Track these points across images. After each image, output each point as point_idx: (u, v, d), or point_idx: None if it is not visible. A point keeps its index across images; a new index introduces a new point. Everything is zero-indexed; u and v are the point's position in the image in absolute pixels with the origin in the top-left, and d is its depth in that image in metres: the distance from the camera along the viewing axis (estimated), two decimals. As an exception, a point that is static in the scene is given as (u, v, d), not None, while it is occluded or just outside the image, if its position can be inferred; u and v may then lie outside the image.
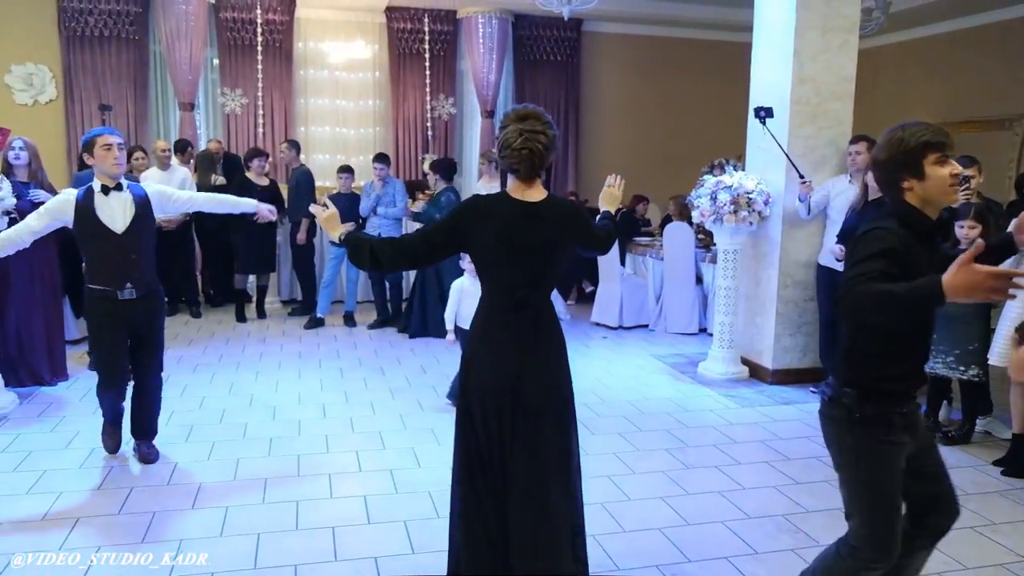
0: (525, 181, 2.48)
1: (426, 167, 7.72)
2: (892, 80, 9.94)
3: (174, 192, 4.07)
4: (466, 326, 4.31)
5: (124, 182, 3.81)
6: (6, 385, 4.84)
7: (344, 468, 4.01)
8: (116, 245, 3.73)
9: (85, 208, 3.71)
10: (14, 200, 4.66)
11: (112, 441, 4.10)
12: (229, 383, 5.47)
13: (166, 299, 7.04)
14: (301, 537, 3.27)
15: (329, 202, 3.23)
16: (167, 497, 3.63)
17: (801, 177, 5.34)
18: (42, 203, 5.07)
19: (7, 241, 3.67)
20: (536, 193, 2.49)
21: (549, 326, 2.53)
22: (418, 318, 7.04)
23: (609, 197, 3.10)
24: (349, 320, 7.48)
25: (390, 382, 5.60)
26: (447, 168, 7.16)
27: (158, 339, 3.99)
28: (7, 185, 4.63)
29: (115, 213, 3.75)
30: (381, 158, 7.39)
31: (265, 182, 7.42)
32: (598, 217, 3.03)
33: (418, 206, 7.67)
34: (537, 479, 2.45)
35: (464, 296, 4.69)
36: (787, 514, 3.60)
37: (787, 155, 5.39)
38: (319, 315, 7.39)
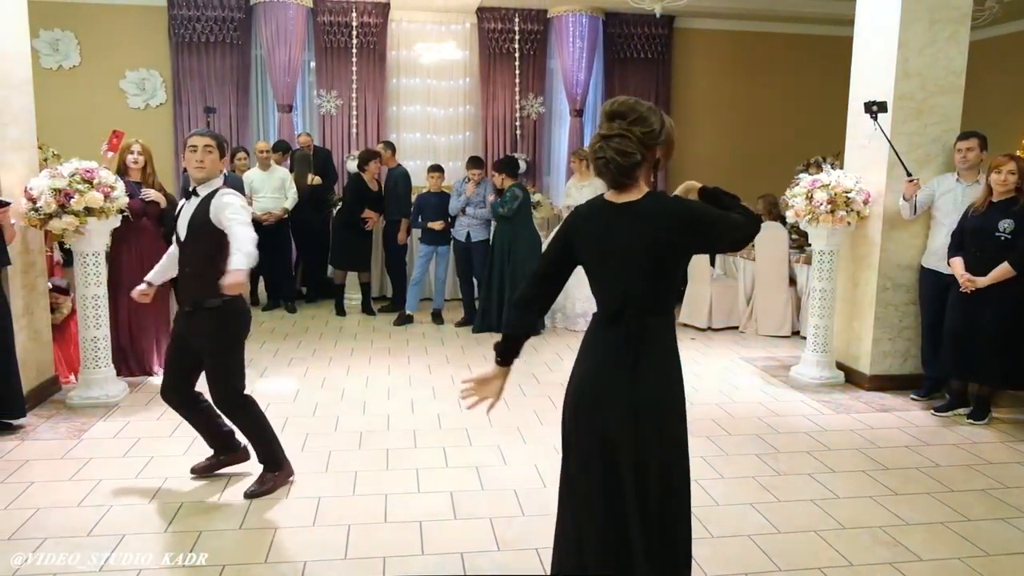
0: (612, 187, 2.26)
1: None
2: (1006, 73, 9.39)
3: (226, 209, 3.46)
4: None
5: (201, 188, 3.57)
6: (117, 374, 5.13)
7: (431, 463, 4.08)
8: (179, 252, 3.66)
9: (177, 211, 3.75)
10: (127, 199, 4.93)
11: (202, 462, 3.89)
12: (322, 377, 5.64)
13: (265, 296, 7.25)
14: (389, 530, 3.34)
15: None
16: (264, 486, 3.76)
17: (909, 175, 5.10)
18: (152, 201, 5.38)
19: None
20: (634, 193, 2.23)
21: (648, 347, 2.22)
22: (483, 313, 7.15)
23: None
24: (437, 318, 7.59)
25: (477, 379, 5.65)
26: (510, 165, 7.26)
27: (211, 362, 3.56)
28: (121, 185, 4.89)
29: (185, 219, 3.58)
30: (477, 162, 7.46)
31: (376, 187, 7.70)
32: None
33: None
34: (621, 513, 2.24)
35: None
36: (885, 526, 3.46)
37: (896, 152, 5.15)
38: (408, 312, 7.53)
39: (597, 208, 2.29)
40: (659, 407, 2.23)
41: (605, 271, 2.28)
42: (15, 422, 4.42)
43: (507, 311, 2.39)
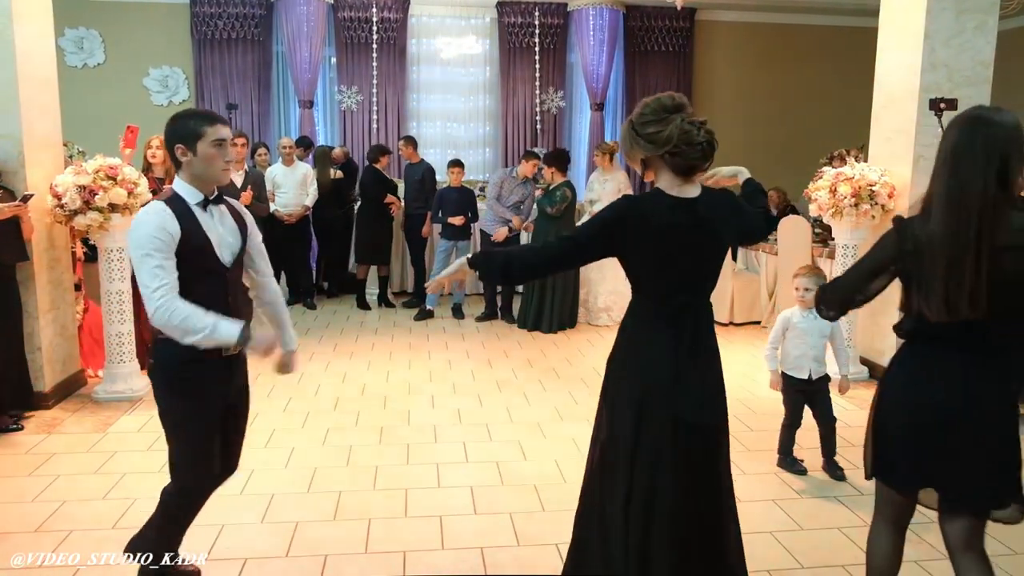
0: (686, 176, 2.24)
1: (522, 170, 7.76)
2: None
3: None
4: (788, 368, 3.98)
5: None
6: (141, 369, 5.18)
7: (451, 458, 4.08)
8: (222, 281, 3.00)
9: None
10: (150, 196, 4.97)
11: None
12: (343, 372, 5.66)
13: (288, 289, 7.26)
14: (410, 524, 3.35)
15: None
16: (284, 480, 3.79)
17: None
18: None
19: None
20: (693, 188, 2.27)
21: (709, 336, 2.33)
22: (535, 311, 7.11)
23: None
24: (457, 312, 7.60)
25: (497, 374, 5.66)
26: (562, 160, 7.14)
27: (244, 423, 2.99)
28: (145, 181, 4.93)
29: (223, 239, 2.82)
30: (536, 157, 7.45)
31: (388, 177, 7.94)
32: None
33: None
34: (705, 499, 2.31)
35: (790, 327, 4.02)
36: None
37: None
38: (428, 307, 7.55)
39: (659, 202, 2.24)
40: (723, 395, 2.38)
41: (672, 264, 2.24)
42: (21, 418, 4.49)
43: (514, 267, 2.34)
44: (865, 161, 5.79)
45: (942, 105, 4.95)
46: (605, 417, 2.37)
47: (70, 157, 5.64)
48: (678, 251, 2.22)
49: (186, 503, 2.66)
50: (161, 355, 2.50)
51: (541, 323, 7.04)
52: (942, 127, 4.96)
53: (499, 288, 7.55)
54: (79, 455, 4.06)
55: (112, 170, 4.73)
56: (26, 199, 4.44)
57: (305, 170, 7.82)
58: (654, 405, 2.23)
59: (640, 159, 2.28)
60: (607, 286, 7.33)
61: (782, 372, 4.01)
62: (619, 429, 2.29)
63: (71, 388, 5.05)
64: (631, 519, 2.25)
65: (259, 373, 5.51)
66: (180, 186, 2.51)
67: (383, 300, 8.03)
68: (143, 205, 4.82)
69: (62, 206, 4.61)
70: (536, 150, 8.82)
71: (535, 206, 7.25)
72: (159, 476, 3.79)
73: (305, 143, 8.36)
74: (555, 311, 7.03)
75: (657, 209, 2.22)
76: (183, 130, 2.49)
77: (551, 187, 7.08)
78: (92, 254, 5.36)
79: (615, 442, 2.30)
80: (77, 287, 5.42)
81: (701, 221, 2.22)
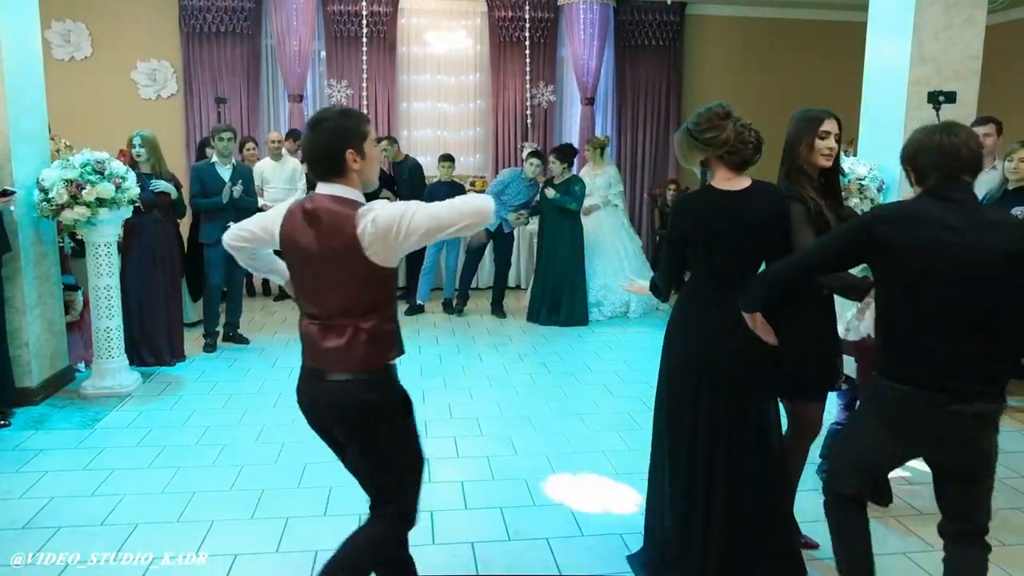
0: (740, 170, 2.64)
1: (524, 155, 7.73)
2: (1023, 58, 9.26)
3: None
4: None
5: None
6: (130, 364, 5.16)
7: (442, 453, 4.08)
8: None
9: None
10: (138, 190, 4.94)
11: None
12: (334, 367, 5.63)
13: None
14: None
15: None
16: (275, 475, 3.78)
17: None
18: (163, 192, 5.39)
19: None
20: (743, 180, 2.64)
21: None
22: (547, 304, 7.10)
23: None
24: (448, 307, 7.59)
25: (488, 369, 5.65)
26: (570, 155, 7.17)
27: None
28: (132, 176, 4.90)
29: None
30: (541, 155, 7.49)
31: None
32: None
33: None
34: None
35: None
36: (899, 516, 3.43)
37: None
38: (419, 302, 7.53)
39: (712, 195, 2.65)
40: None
41: (726, 249, 2.58)
42: (9, 415, 4.46)
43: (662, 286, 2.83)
44: (855, 155, 5.79)
45: (941, 98, 4.96)
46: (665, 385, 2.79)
47: (57, 151, 5.59)
48: (734, 236, 2.58)
49: (406, 529, 2.49)
50: (385, 394, 2.30)
51: (559, 317, 7.05)
52: (939, 120, 4.98)
53: (493, 282, 7.54)
54: (67, 451, 4.04)
55: (100, 164, 4.69)
56: (8, 193, 4.41)
57: (294, 165, 7.78)
58: (715, 369, 2.61)
59: (700, 160, 2.67)
60: (598, 280, 7.33)
61: None
62: (678, 396, 2.72)
63: (59, 384, 5.02)
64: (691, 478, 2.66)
65: (248, 369, 5.50)
66: (353, 194, 2.23)
67: None
68: (131, 202, 4.86)
69: (48, 200, 4.58)
70: (536, 147, 8.82)
71: (551, 202, 7.14)
72: (148, 472, 3.78)
73: (295, 135, 8.31)
74: (574, 305, 7.03)
75: (706, 204, 2.64)
76: (349, 133, 2.22)
77: (560, 182, 7.02)
78: (80, 249, 5.32)
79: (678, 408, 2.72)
80: (75, 286, 5.39)
81: (752, 210, 2.58)
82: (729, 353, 2.59)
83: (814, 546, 3.06)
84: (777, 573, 2.70)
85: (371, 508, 2.43)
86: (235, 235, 2.41)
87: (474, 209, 2.17)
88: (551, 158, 7.24)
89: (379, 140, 8.17)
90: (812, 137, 2.84)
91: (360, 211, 2.17)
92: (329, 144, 2.21)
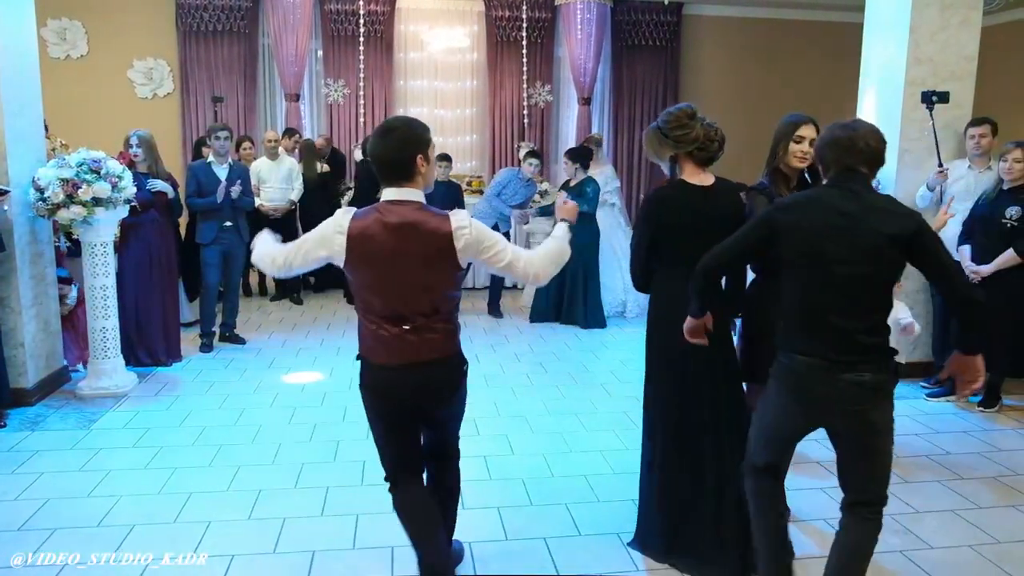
0: (706, 166, 2.91)
1: (522, 155, 7.72)
2: (1018, 59, 9.27)
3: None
4: None
5: None
6: (126, 365, 5.15)
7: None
8: None
9: None
10: (134, 190, 4.93)
11: None
12: (330, 367, 5.64)
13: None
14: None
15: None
16: (272, 476, 3.77)
17: (940, 164, 5.02)
18: (160, 192, 5.38)
19: None
20: (708, 177, 2.91)
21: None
22: (550, 303, 7.11)
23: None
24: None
25: (484, 368, 5.65)
26: (585, 156, 7.15)
27: None
28: (129, 175, 4.89)
29: None
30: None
31: None
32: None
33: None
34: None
35: None
36: (895, 514, 3.44)
37: (936, 142, 5.03)
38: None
39: (687, 189, 2.88)
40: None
41: (698, 238, 2.75)
42: (3, 416, 4.44)
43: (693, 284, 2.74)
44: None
45: (934, 98, 4.97)
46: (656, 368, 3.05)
47: (52, 150, 5.58)
48: (706, 226, 2.80)
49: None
50: (465, 367, 2.68)
51: (574, 317, 7.06)
52: (933, 119, 4.99)
53: (489, 283, 7.54)
54: (63, 452, 4.03)
55: (96, 163, 4.68)
56: (1, 193, 4.40)
57: (291, 164, 7.77)
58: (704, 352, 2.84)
59: (669, 156, 2.90)
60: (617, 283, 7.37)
61: None
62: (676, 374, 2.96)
63: (55, 384, 5.01)
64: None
65: (245, 370, 5.50)
66: (419, 196, 2.45)
67: None
68: (127, 202, 4.85)
69: (44, 199, 4.57)
70: (533, 146, 8.81)
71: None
72: (145, 473, 3.78)
73: (289, 132, 8.26)
74: (587, 308, 7.05)
75: (680, 196, 2.88)
76: (418, 140, 2.43)
77: (574, 184, 6.99)
78: (75, 248, 5.31)
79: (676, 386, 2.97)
80: (68, 279, 5.37)
81: (719, 203, 2.86)
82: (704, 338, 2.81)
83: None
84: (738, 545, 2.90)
85: (435, 459, 2.80)
86: (304, 264, 2.54)
87: (534, 275, 2.55)
88: (564, 159, 7.26)
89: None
90: (788, 141, 3.07)
91: (451, 216, 2.41)
92: (401, 150, 2.40)
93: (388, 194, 2.42)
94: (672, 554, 3.00)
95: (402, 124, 2.45)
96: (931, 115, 5.04)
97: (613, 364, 5.81)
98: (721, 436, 2.90)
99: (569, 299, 7.08)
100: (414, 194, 2.42)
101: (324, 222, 2.48)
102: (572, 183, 7.01)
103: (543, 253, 2.57)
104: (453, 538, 2.92)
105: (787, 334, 2.47)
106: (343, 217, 2.42)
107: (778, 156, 3.09)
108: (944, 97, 4.97)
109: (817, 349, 2.36)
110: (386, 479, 2.69)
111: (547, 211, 7.35)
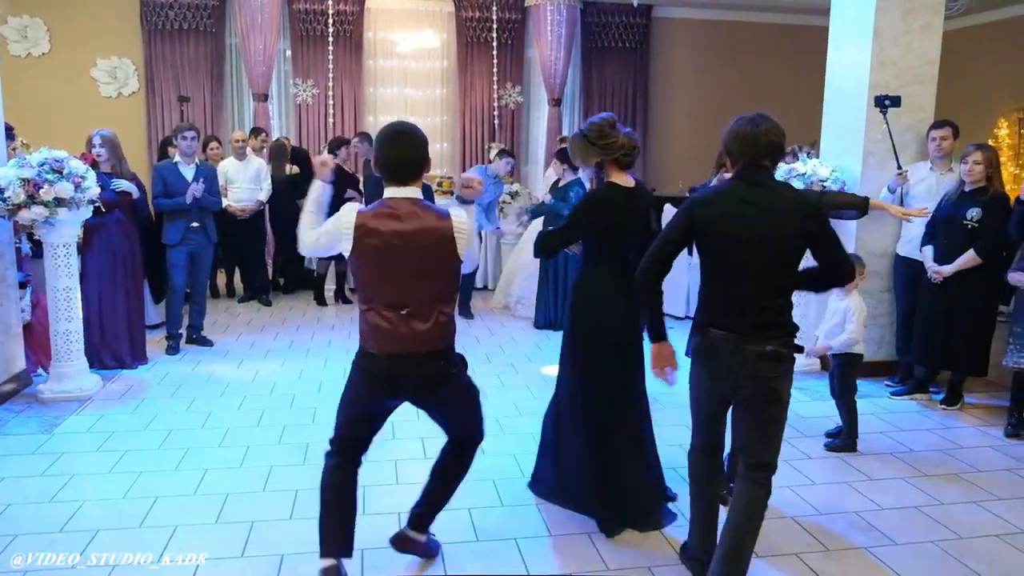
0: (627, 169, 3.26)
1: (492, 155, 7.71)
2: (979, 62, 9.47)
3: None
4: None
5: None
6: (90, 367, 5.06)
7: (410, 455, 4.06)
8: None
9: None
10: (98, 190, 4.85)
11: None
12: (299, 369, 5.59)
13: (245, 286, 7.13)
14: (368, 521, 3.31)
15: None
16: (240, 479, 3.73)
17: (899, 167, 5.10)
18: (124, 192, 5.29)
19: None
20: (629, 180, 3.26)
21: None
22: (550, 309, 7.03)
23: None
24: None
25: (456, 370, 5.63)
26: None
27: None
28: (92, 175, 4.81)
29: None
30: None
31: (351, 170, 7.79)
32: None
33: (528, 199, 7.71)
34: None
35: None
36: (860, 511, 3.50)
37: (894, 145, 5.10)
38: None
39: (615, 190, 3.23)
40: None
41: (622, 236, 3.24)
42: None
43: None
44: (817, 157, 5.89)
45: (887, 102, 5.06)
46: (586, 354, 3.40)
47: (14, 149, 5.47)
48: (632, 225, 3.24)
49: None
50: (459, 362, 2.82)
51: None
52: (887, 123, 5.07)
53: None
54: (24, 457, 3.95)
55: (58, 163, 4.60)
56: None
57: (258, 165, 7.69)
58: (622, 342, 3.33)
59: (596, 162, 3.22)
60: (523, 272, 7.39)
61: None
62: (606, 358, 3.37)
63: (16, 388, 4.91)
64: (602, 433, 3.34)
65: (212, 372, 5.43)
66: (419, 195, 2.66)
67: (340, 296, 7.95)
68: (91, 202, 4.77)
69: (4, 199, 4.47)
70: (504, 147, 8.78)
71: (549, 207, 7.09)
72: (109, 477, 3.71)
73: (255, 132, 8.14)
74: None
75: (616, 196, 3.22)
76: (426, 146, 2.69)
77: (563, 184, 6.92)
78: (38, 250, 5.21)
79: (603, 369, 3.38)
80: (23, 283, 5.26)
81: (640, 202, 3.28)
82: (624, 323, 3.27)
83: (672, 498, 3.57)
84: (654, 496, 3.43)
85: (456, 442, 3.01)
86: (325, 251, 2.74)
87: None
88: (554, 160, 7.26)
89: (356, 136, 8.16)
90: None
91: (451, 213, 2.63)
92: (415, 154, 2.62)
93: (391, 192, 2.60)
94: (562, 497, 3.49)
95: (412, 128, 2.65)
96: (885, 119, 5.13)
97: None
98: (637, 399, 3.41)
99: (558, 303, 7.03)
100: (415, 192, 2.61)
101: (334, 216, 2.64)
102: (561, 183, 6.98)
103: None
104: (430, 534, 3.04)
105: (703, 312, 2.75)
106: (349, 213, 2.58)
107: (724, 162, 3.42)
108: (896, 101, 5.06)
109: (728, 324, 2.64)
110: (330, 444, 2.80)
111: (538, 212, 7.32)
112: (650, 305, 2.80)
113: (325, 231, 2.67)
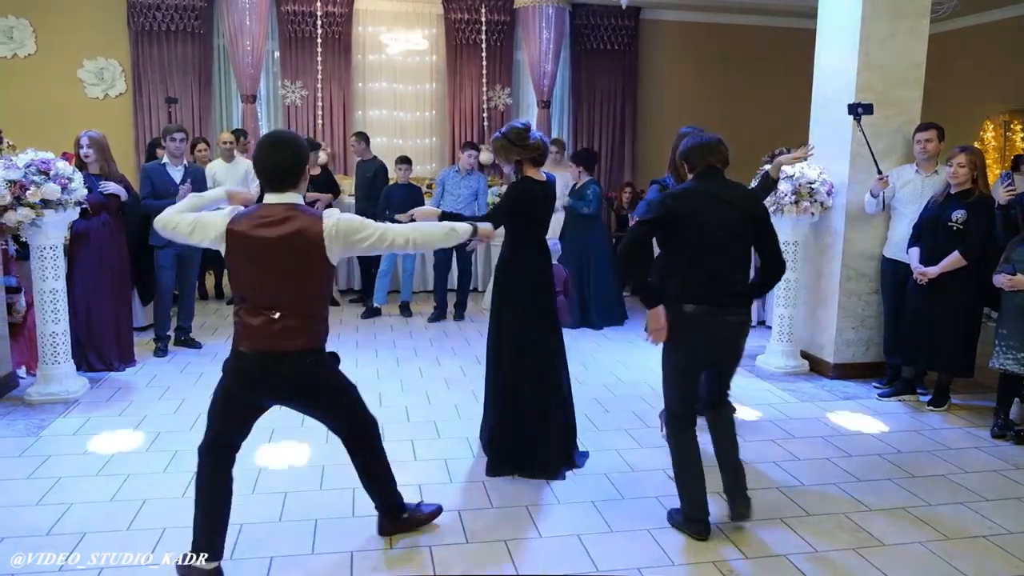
0: (540, 166, 3.88)
1: (482, 158, 7.71)
2: (965, 65, 9.55)
3: None
4: None
5: None
6: (77, 370, 5.03)
7: (400, 456, 4.03)
8: None
9: None
10: (85, 191, 4.82)
11: None
12: (288, 371, 5.56)
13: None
14: (357, 524, 3.31)
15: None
16: (229, 481, 3.71)
17: (880, 173, 5.12)
18: (112, 194, 5.26)
19: None
20: (542, 176, 3.88)
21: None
22: (578, 309, 7.07)
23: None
24: (405, 310, 7.55)
25: (445, 372, 5.64)
26: (590, 159, 7.25)
27: None
28: (79, 176, 4.78)
29: None
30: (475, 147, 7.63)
31: (317, 171, 7.68)
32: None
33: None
34: None
35: None
36: (848, 512, 3.52)
37: (872, 151, 5.13)
38: (376, 305, 7.48)
39: (537, 183, 3.83)
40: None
41: (539, 223, 3.92)
42: None
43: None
44: (805, 159, 5.91)
45: (860, 110, 5.07)
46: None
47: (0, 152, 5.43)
48: (545, 212, 3.90)
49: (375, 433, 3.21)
50: (331, 362, 2.97)
51: (591, 320, 7.07)
52: (862, 130, 5.09)
53: (457, 286, 7.53)
54: (10, 460, 3.91)
55: (45, 165, 4.56)
56: None
57: (246, 166, 7.65)
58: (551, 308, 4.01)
59: (515, 160, 3.79)
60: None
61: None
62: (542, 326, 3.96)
63: (2, 391, 4.87)
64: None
65: (201, 374, 5.41)
66: (301, 200, 2.77)
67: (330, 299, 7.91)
68: (78, 204, 4.73)
69: (-9, 202, 4.44)
70: (473, 141, 8.77)
71: (570, 208, 7.15)
72: (96, 480, 3.69)
73: (240, 134, 8.10)
74: (601, 306, 7.09)
75: (539, 188, 3.83)
76: (306, 153, 2.80)
77: (579, 187, 7.05)
78: (25, 252, 5.17)
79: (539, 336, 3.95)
80: (17, 288, 5.21)
81: (550, 194, 3.91)
82: (538, 291, 3.85)
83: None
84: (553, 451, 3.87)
85: (347, 443, 3.09)
86: (197, 242, 2.77)
87: (412, 243, 2.86)
88: (569, 163, 7.36)
89: (353, 136, 8.13)
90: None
91: (323, 216, 2.68)
92: (294, 161, 2.70)
93: (270, 198, 2.69)
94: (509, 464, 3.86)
95: (292, 138, 2.78)
96: (859, 126, 5.14)
97: (573, 366, 5.82)
98: (548, 357, 3.89)
99: (585, 301, 7.11)
100: (293, 197, 2.70)
101: (214, 212, 2.77)
102: (578, 186, 7.10)
103: (423, 228, 2.96)
104: (417, 503, 3.35)
105: (682, 289, 3.17)
106: (225, 216, 2.69)
107: (680, 170, 3.71)
108: (869, 109, 5.07)
109: (706, 298, 3.14)
110: (202, 448, 2.88)
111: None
112: (636, 276, 3.36)
113: (199, 220, 2.73)
